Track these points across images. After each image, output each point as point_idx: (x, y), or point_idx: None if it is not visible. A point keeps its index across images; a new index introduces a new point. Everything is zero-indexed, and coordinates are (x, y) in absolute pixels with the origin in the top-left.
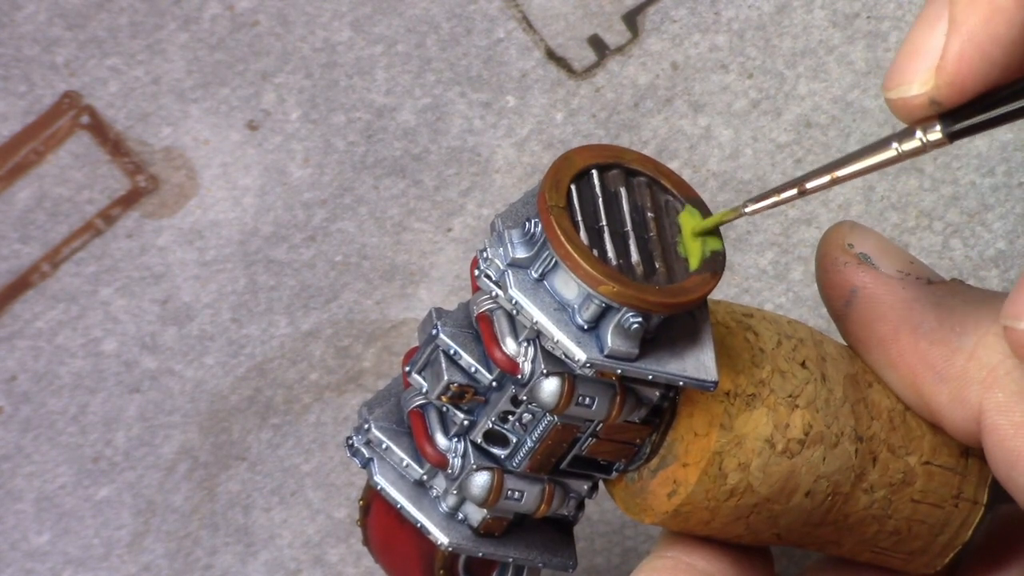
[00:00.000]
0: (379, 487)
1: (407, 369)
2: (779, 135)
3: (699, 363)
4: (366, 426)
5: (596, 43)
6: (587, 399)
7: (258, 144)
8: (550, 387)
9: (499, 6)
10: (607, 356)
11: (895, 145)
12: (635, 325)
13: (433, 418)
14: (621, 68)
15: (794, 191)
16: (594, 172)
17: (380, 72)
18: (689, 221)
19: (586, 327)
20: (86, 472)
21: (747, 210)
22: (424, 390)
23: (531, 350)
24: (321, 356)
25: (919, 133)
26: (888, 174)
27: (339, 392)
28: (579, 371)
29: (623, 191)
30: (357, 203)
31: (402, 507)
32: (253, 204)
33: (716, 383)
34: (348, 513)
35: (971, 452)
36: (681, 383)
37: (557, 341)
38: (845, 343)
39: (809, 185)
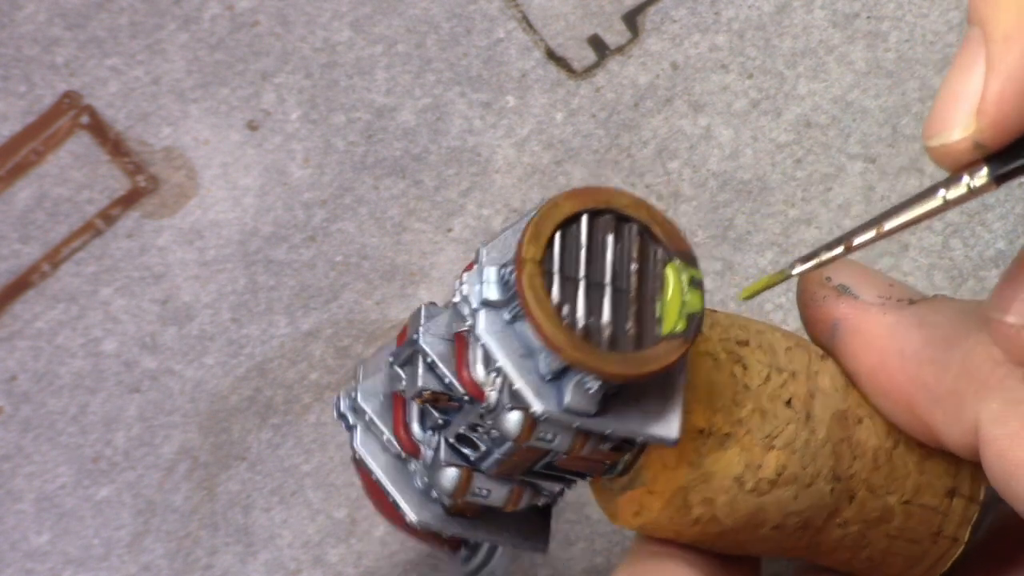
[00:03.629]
0: (358, 455)
1: (390, 360)
2: (779, 135)
3: (662, 419)
4: (353, 394)
5: (596, 43)
6: (549, 435)
7: (258, 144)
8: (512, 420)
9: (499, 6)
10: (564, 410)
11: (942, 193)
12: (593, 389)
13: (413, 407)
14: (621, 68)
15: (840, 248)
16: (584, 217)
17: (380, 72)
18: (674, 276)
19: (549, 377)
20: (86, 472)
21: (795, 272)
22: (404, 384)
23: (499, 381)
24: (321, 356)
25: (965, 179)
26: (888, 174)
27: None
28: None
29: (611, 239)
30: (357, 203)
31: (378, 479)
32: (253, 204)
33: (676, 442)
34: (348, 513)
35: (957, 493)
36: (640, 439)
37: (517, 389)
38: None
39: (856, 241)
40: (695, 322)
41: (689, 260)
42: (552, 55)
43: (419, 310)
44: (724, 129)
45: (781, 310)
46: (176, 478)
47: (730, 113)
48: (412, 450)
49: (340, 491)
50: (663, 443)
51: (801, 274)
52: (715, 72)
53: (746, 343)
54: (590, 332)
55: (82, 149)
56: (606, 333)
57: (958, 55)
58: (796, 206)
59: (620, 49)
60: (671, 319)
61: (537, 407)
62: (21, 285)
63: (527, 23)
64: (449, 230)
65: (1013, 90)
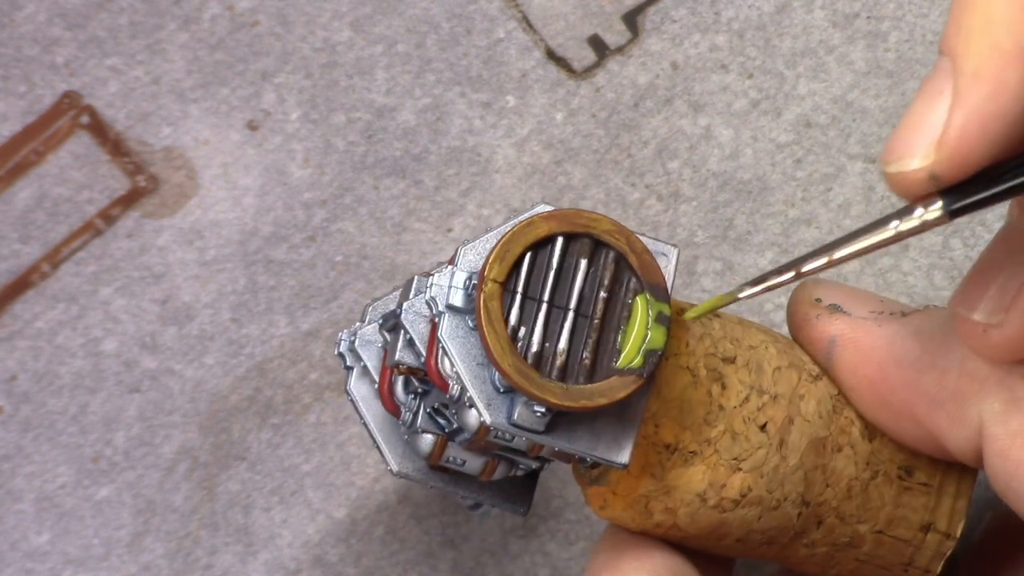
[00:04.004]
0: (350, 398)
1: (380, 322)
2: (779, 135)
3: (614, 442)
4: (352, 339)
5: (596, 43)
6: (506, 435)
7: (258, 144)
8: (472, 416)
9: (499, 6)
10: (512, 424)
11: (895, 224)
12: (539, 413)
13: None
14: (621, 68)
15: (791, 274)
16: (559, 239)
17: (380, 72)
18: (642, 308)
19: (502, 390)
20: (86, 472)
21: (742, 295)
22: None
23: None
24: (321, 356)
25: (919, 211)
26: None
27: (339, 392)
28: None
29: (584, 263)
30: (357, 203)
31: (366, 424)
32: (253, 204)
33: (626, 466)
34: (348, 513)
35: (932, 528)
36: (589, 460)
37: (469, 396)
38: (836, 392)
39: (805, 268)
40: (653, 359)
41: (660, 295)
42: (552, 55)
43: (411, 280)
44: (724, 129)
45: (782, 310)
46: (176, 478)
47: (730, 113)
48: (393, 410)
49: (340, 491)
50: (613, 466)
51: (748, 298)
52: (715, 72)
53: (732, 360)
54: (542, 358)
55: (82, 149)
56: (559, 361)
57: (925, 83)
58: (796, 206)
59: (620, 49)
60: (630, 353)
61: (486, 417)
62: (21, 285)
63: (527, 23)
64: (449, 230)
65: (976, 125)
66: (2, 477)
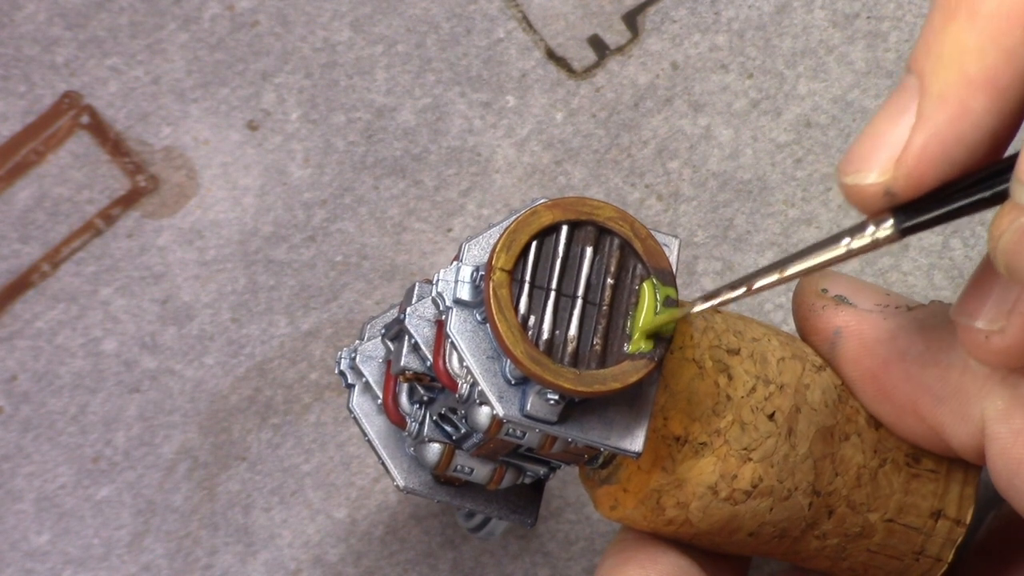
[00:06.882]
0: (353, 415)
1: (382, 332)
2: (779, 135)
3: (627, 431)
4: (353, 355)
5: (596, 43)
6: (517, 432)
7: (258, 144)
8: (483, 414)
9: (499, 6)
10: (525, 416)
11: (846, 241)
12: (552, 401)
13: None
14: (621, 68)
15: (743, 289)
16: (564, 228)
17: (380, 72)
18: (650, 294)
19: (513, 382)
20: (86, 472)
21: (696, 308)
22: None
23: (471, 375)
24: (321, 356)
25: (870, 228)
26: None
27: (339, 392)
28: None
29: (589, 251)
30: (357, 203)
31: (370, 440)
32: (253, 204)
33: (639, 454)
34: (348, 513)
35: (942, 515)
36: (602, 449)
37: (481, 390)
38: (840, 382)
39: (757, 284)
40: (663, 345)
41: (667, 279)
42: (552, 55)
43: (412, 287)
44: (724, 129)
45: (781, 310)
46: (176, 478)
47: (730, 113)
48: (398, 421)
49: (340, 491)
50: (627, 455)
51: (702, 310)
52: (715, 72)
53: (736, 352)
54: (553, 345)
55: (82, 149)
56: (570, 347)
57: (890, 99)
58: (796, 206)
59: (620, 49)
60: (639, 339)
61: (499, 410)
62: (21, 285)
63: (527, 23)
64: (449, 230)
65: (936, 147)
66: (2, 477)
